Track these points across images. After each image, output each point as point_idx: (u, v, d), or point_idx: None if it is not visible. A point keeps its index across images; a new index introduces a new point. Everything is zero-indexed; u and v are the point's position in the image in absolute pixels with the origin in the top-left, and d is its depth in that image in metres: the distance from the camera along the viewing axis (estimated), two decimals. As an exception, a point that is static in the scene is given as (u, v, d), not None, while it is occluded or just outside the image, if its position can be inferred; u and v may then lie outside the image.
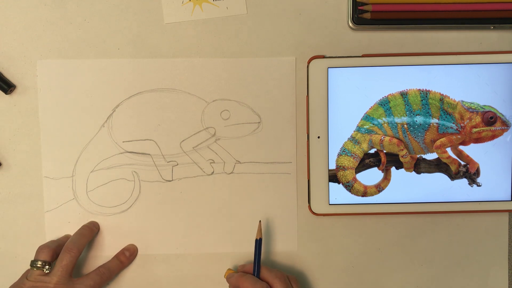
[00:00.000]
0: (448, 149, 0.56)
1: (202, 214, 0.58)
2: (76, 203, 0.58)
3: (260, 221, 0.57)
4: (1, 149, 0.58)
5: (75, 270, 0.57)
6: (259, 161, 0.58)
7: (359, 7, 0.56)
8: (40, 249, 0.54)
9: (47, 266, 0.53)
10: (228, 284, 0.55)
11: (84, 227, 0.57)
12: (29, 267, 0.55)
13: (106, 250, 0.58)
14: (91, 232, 0.57)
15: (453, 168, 0.57)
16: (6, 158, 0.58)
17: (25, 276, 0.54)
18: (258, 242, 0.55)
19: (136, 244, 0.59)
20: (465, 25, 0.57)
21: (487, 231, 0.59)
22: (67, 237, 0.58)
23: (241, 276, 0.54)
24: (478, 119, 0.55)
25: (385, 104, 0.56)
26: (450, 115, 0.56)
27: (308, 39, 0.58)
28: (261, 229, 0.56)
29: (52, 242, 0.56)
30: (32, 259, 0.55)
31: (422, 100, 0.56)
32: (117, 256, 0.58)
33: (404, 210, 0.57)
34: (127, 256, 0.58)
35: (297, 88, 0.58)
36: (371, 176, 0.57)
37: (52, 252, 0.54)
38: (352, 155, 0.57)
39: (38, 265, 0.53)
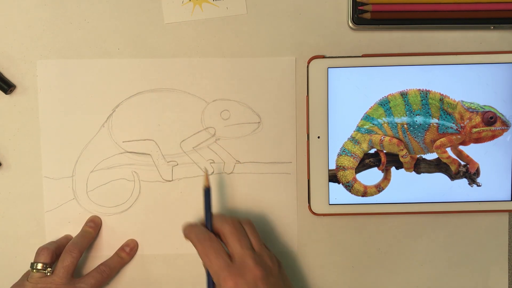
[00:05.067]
0: (448, 149, 0.56)
1: (202, 214, 0.58)
2: (76, 203, 0.58)
3: (205, 168, 0.55)
4: (1, 149, 0.58)
5: (76, 271, 0.57)
6: (259, 161, 0.58)
7: (359, 7, 0.56)
8: (40, 251, 0.54)
9: (48, 269, 0.53)
10: None
11: (86, 229, 0.57)
12: (28, 267, 0.55)
13: (106, 250, 0.58)
14: (93, 232, 0.57)
15: (453, 168, 0.57)
16: (6, 158, 0.58)
17: (26, 277, 0.54)
18: (207, 192, 0.53)
19: (136, 244, 0.59)
20: (465, 25, 0.57)
21: (487, 231, 0.59)
22: (67, 237, 0.58)
23: (190, 226, 0.51)
24: (478, 119, 0.55)
25: (385, 104, 0.56)
26: (450, 115, 0.56)
27: (308, 39, 0.58)
28: (208, 178, 0.53)
29: (51, 243, 0.56)
30: (32, 261, 0.54)
31: (422, 100, 0.56)
32: (117, 253, 0.58)
33: (404, 210, 0.57)
34: (127, 251, 0.58)
35: (297, 88, 0.58)
36: (371, 176, 0.57)
37: (52, 253, 0.54)
38: (352, 155, 0.57)
39: (39, 268, 0.53)
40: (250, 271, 0.47)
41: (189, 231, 0.51)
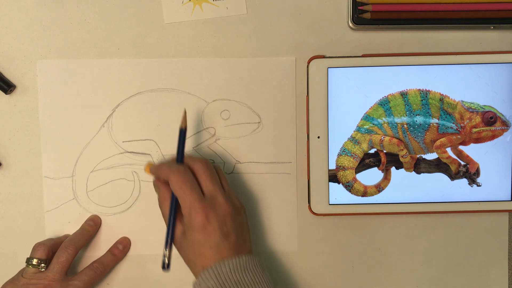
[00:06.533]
0: (448, 149, 0.56)
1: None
2: (76, 203, 0.58)
3: (184, 109, 0.54)
4: (1, 149, 0.58)
5: (73, 271, 0.57)
6: (259, 161, 0.58)
7: (359, 7, 0.56)
8: (36, 246, 0.54)
9: (42, 264, 0.53)
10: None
11: (85, 226, 0.57)
12: (29, 267, 0.55)
13: (105, 250, 0.58)
14: (91, 231, 0.57)
15: (453, 168, 0.57)
16: (6, 158, 0.58)
17: (21, 273, 0.54)
18: (183, 132, 0.53)
19: (136, 244, 0.59)
20: (465, 25, 0.57)
21: (487, 231, 0.59)
22: (66, 237, 0.57)
23: (160, 163, 0.53)
24: (478, 119, 0.55)
25: (385, 104, 0.56)
26: (450, 115, 0.56)
27: (308, 39, 0.58)
28: (186, 119, 0.53)
29: (48, 240, 0.56)
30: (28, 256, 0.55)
31: (422, 100, 0.56)
32: (110, 250, 0.58)
33: (404, 210, 0.57)
34: (120, 249, 0.58)
35: (297, 88, 0.58)
36: (371, 176, 0.57)
37: (48, 250, 0.54)
38: (352, 155, 0.57)
39: (34, 263, 0.53)
40: (220, 207, 0.49)
41: (161, 164, 0.52)
